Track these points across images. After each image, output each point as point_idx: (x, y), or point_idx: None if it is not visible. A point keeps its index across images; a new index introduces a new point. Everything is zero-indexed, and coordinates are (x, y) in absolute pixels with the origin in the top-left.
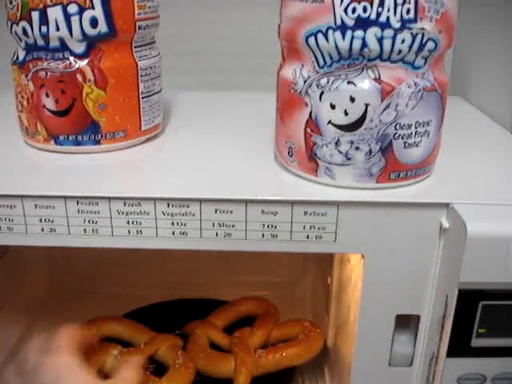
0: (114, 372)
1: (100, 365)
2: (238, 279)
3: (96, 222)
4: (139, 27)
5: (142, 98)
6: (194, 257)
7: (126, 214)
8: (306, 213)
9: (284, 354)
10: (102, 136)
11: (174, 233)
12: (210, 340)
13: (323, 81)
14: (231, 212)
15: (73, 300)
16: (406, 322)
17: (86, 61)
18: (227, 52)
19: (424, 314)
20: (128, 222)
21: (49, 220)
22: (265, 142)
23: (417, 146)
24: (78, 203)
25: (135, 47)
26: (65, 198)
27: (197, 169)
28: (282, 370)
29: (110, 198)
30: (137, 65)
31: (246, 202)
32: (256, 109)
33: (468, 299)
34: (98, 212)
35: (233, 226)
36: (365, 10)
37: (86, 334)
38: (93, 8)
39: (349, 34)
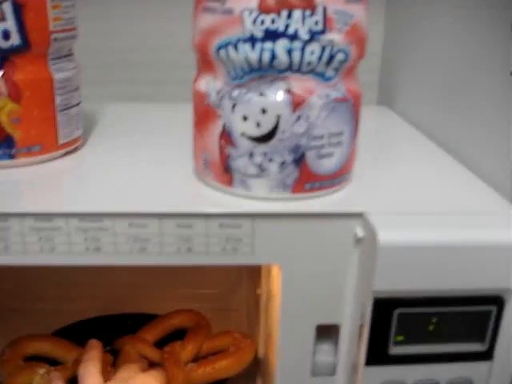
0: None
1: None
2: (174, 292)
3: (7, 239)
4: (54, 40)
5: (59, 111)
6: (127, 270)
7: (38, 230)
8: (221, 225)
9: (215, 367)
10: (16, 150)
11: (87, 248)
12: (140, 355)
13: (235, 93)
14: (145, 226)
15: (3, 318)
16: (327, 332)
17: None
18: (157, 63)
19: (344, 323)
20: (40, 239)
21: None
22: (187, 155)
23: (330, 156)
24: None
25: (51, 60)
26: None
27: (114, 182)
28: (214, 382)
29: (21, 214)
30: (52, 78)
31: (160, 215)
32: (183, 120)
33: (383, 307)
34: (9, 228)
35: (147, 240)
36: (273, 21)
37: None
38: (5, 20)
39: (258, 45)
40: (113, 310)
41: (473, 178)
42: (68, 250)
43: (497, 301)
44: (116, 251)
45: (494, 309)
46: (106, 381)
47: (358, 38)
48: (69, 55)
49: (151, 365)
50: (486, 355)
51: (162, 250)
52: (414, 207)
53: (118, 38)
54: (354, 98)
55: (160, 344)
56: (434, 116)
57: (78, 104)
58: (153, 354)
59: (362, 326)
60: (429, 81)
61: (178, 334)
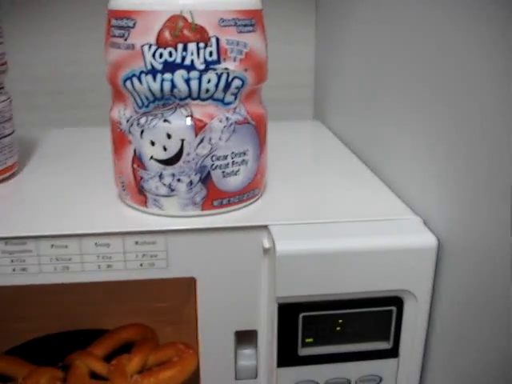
0: None
1: None
2: (126, 307)
3: None
4: None
5: None
6: (80, 288)
7: (7, 254)
8: (136, 242)
9: (158, 377)
10: None
11: (13, 269)
12: (90, 370)
13: (142, 120)
14: (66, 246)
15: None
16: (248, 337)
17: None
18: (99, 88)
19: (261, 328)
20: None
21: None
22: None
23: (235, 174)
24: None
25: None
26: None
27: (41, 207)
28: None
29: None
30: None
31: (80, 236)
32: None
33: (288, 312)
34: None
35: (69, 260)
36: (170, 54)
37: None
38: None
39: (159, 76)
40: (66, 328)
41: (382, 187)
42: None
43: (396, 301)
44: (40, 271)
45: (394, 308)
46: None
47: (253, 64)
48: (0, 88)
49: (100, 378)
50: (392, 352)
51: (84, 268)
52: (318, 217)
53: (62, 66)
54: (255, 120)
55: (111, 358)
56: (354, 128)
57: (10, 134)
58: (101, 367)
59: (272, 330)
60: (350, 94)
61: (129, 348)
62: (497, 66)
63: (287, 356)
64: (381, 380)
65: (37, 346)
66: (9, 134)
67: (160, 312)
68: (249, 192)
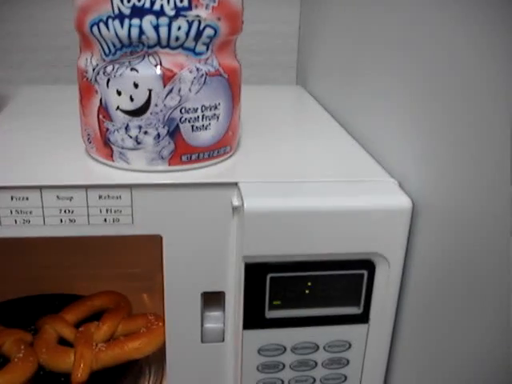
0: None
1: None
2: (103, 273)
3: None
4: None
5: None
6: (56, 251)
7: None
8: (100, 197)
9: (123, 348)
10: None
11: None
12: (58, 335)
13: (109, 68)
14: (27, 198)
15: None
16: (215, 299)
17: None
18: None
19: (228, 290)
20: None
21: None
22: None
23: (206, 129)
24: None
25: None
26: None
27: (3, 160)
28: (124, 364)
29: None
30: None
31: (41, 187)
32: None
33: (255, 272)
34: None
35: (30, 213)
36: None
37: None
38: None
39: (126, 22)
40: (41, 291)
41: (359, 150)
42: None
43: (368, 265)
44: (0, 224)
45: (365, 272)
46: None
47: (227, 13)
48: None
49: (68, 344)
50: (362, 318)
51: (46, 222)
52: (289, 176)
53: (39, 22)
54: (228, 73)
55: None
56: (335, 93)
57: None
58: (69, 333)
59: (239, 292)
60: (332, 60)
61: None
62: (475, 35)
63: (254, 318)
64: (350, 346)
65: (8, 308)
66: None
67: (135, 277)
68: (219, 148)
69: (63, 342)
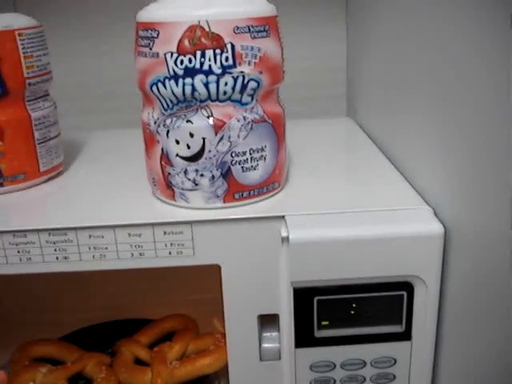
0: None
1: (30, 382)
2: (171, 298)
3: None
4: (29, 84)
5: (38, 143)
6: (128, 281)
7: (16, 245)
8: (165, 232)
9: (195, 365)
10: (4, 179)
11: (57, 258)
12: (134, 356)
13: (168, 121)
14: (102, 236)
15: (14, 329)
16: (271, 321)
17: None
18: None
19: (282, 312)
20: (18, 252)
21: None
22: None
23: (254, 169)
24: None
25: (28, 101)
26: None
27: (80, 202)
28: (196, 379)
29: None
30: (30, 116)
31: (114, 227)
32: None
33: (303, 296)
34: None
35: (106, 248)
36: (190, 61)
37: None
38: None
39: (180, 81)
40: (115, 317)
41: (399, 179)
42: (41, 260)
43: (407, 286)
44: (80, 259)
45: (404, 293)
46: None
47: (268, 66)
48: (45, 95)
49: (144, 364)
50: (405, 336)
51: (119, 256)
52: (332, 208)
53: (106, 71)
54: (272, 118)
55: (155, 346)
56: (380, 124)
57: (56, 136)
58: (144, 354)
59: (290, 314)
60: (376, 91)
61: (171, 337)
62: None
63: (304, 337)
64: (395, 362)
65: (88, 333)
66: (54, 137)
67: (202, 303)
68: (268, 185)
69: (138, 362)
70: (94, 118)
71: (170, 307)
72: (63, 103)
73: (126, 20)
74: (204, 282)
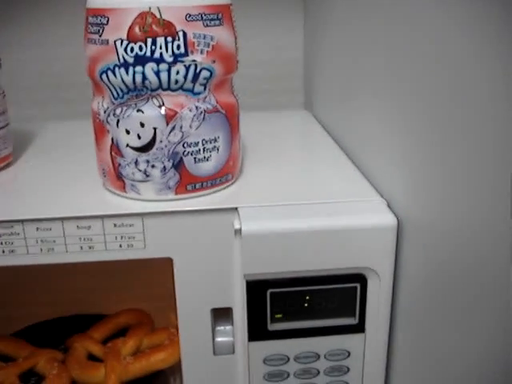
0: None
1: None
2: (126, 294)
3: None
4: None
5: None
6: (81, 275)
7: None
8: (115, 225)
9: (149, 360)
10: None
11: (3, 251)
12: (88, 352)
13: (118, 110)
14: (50, 229)
15: None
16: (225, 314)
17: None
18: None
19: (235, 305)
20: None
21: None
22: None
23: (207, 160)
24: None
25: None
26: None
27: (29, 193)
28: (151, 374)
29: None
30: None
31: (62, 219)
32: None
33: (256, 288)
34: None
35: (54, 241)
36: (141, 48)
37: None
38: None
39: (131, 69)
40: (68, 313)
41: (354, 171)
42: None
43: (360, 278)
44: (27, 252)
45: (358, 285)
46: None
47: (221, 55)
48: None
49: (97, 360)
50: (358, 328)
51: (68, 250)
52: (285, 200)
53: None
54: (225, 109)
55: (109, 341)
56: (336, 117)
57: (4, 126)
58: (98, 350)
59: (243, 307)
60: (333, 84)
61: (125, 332)
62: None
63: (258, 331)
64: (349, 354)
65: (39, 329)
66: (2, 127)
67: (157, 298)
68: (221, 177)
69: (92, 358)
70: (49, 108)
71: (124, 302)
72: (18, 93)
73: (78, 7)
74: (159, 275)
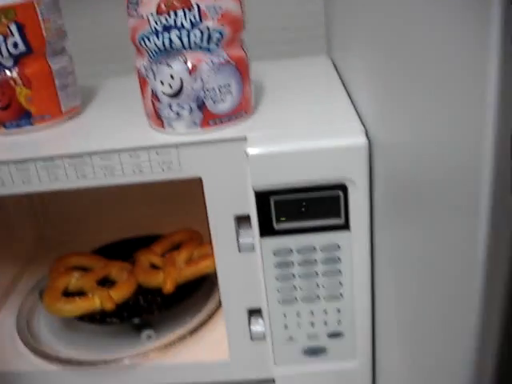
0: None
1: (65, 284)
2: (180, 218)
3: (29, 173)
4: (48, 43)
5: (59, 90)
6: (142, 204)
7: (47, 167)
8: (157, 153)
9: (198, 266)
10: (33, 119)
11: (77, 176)
12: (150, 263)
13: (154, 67)
14: (110, 159)
15: (53, 249)
16: (246, 221)
17: (14, 71)
18: None
19: (252, 211)
20: (48, 173)
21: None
22: None
23: (223, 101)
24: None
25: (48, 56)
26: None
27: (93, 133)
28: (199, 278)
29: (36, 158)
30: (51, 68)
31: (119, 150)
32: None
33: (262, 197)
34: (28, 168)
35: (113, 168)
36: (166, 19)
37: None
38: (13, 36)
39: (160, 36)
40: (134, 234)
41: (348, 105)
42: (66, 179)
43: (342, 187)
44: (94, 177)
45: (340, 192)
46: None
47: (229, 20)
48: (62, 51)
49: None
50: (345, 226)
51: (124, 173)
52: (285, 129)
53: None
54: (235, 61)
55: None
56: (344, 59)
57: (73, 83)
58: (158, 260)
59: (255, 212)
60: (344, 32)
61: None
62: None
63: (266, 229)
64: (339, 247)
65: (113, 247)
66: (72, 84)
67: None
68: (236, 114)
69: (154, 267)
70: (107, 66)
71: (179, 223)
72: (83, 54)
73: None
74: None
